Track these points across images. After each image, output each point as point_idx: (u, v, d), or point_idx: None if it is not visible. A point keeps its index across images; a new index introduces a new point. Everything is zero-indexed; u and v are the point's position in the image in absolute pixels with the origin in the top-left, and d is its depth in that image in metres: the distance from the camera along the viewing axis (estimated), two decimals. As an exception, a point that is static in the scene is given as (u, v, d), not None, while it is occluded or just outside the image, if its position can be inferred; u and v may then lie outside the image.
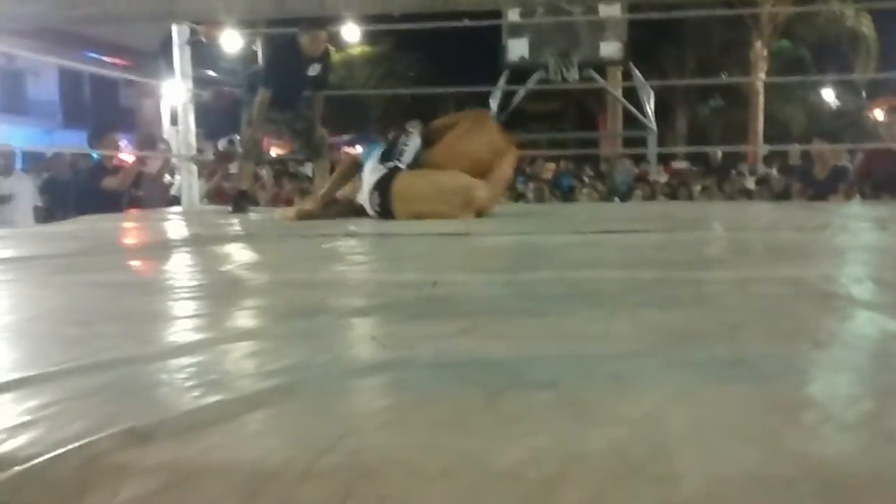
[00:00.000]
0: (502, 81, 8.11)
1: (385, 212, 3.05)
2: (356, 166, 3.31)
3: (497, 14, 7.35)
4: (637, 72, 8.09)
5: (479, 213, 3.03)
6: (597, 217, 3.30)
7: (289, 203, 5.57)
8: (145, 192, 5.26)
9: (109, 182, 4.71)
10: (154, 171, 5.58)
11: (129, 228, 3.28)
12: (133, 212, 4.46)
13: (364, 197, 3.15)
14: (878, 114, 16.46)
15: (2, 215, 5.16)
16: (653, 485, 0.48)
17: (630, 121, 10.59)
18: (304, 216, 3.21)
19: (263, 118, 4.06)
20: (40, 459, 0.52)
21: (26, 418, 0.60)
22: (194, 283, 1.47)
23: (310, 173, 6.07)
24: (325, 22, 4.15)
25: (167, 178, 6.16)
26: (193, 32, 4.67)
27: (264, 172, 7.21)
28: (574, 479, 0.49)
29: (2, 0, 2.15)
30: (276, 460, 0.51)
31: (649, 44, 16.26)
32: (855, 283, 1.32)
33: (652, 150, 8.41)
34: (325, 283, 1.44)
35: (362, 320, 1.05)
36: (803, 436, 0.55)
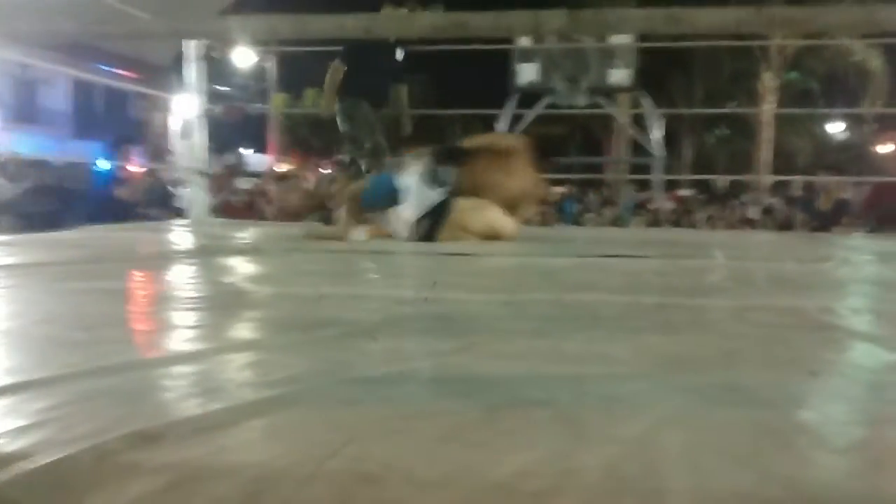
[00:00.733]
0: (511, 104, 8.18)
1: (428, 237, 2.99)
2: (358, 200, 3.24)
3: (507, 38, 7.43)
4: (648, 99, 8.15)
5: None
6: (599, 241, 3.31)
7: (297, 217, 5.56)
8: (151, 203, 5.30)
9: (122, 192, 4.76)
10: (163, 182, 5.63)
11: (138, 239, 3.30)
12: (141, 223, 4.49)
13: (401, 223, 3.07)
14: (885, 147, 16.53)
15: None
16: (643, 502, 0.50)
17: (636, 147, 10.65)
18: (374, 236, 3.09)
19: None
20: (51, 459, 0.53)
21: (36, 419, 0.61)
22: (197, 294, 1.48)
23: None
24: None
25: (172, 190, 6.20)
26: (209, 48, 4.73)
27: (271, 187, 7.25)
28: (566, 493, 0.50)
29: (35, 17, 2.20)
30: (280, 464, 0.53)
31: (658, 72, 16.33)
32: (853, 315, 1.33)
33: (658, 176, 8.45)
34: (328, 297, 1.45)
35: (363, 334, 1.06)
36: (793, 460, 0.56)
